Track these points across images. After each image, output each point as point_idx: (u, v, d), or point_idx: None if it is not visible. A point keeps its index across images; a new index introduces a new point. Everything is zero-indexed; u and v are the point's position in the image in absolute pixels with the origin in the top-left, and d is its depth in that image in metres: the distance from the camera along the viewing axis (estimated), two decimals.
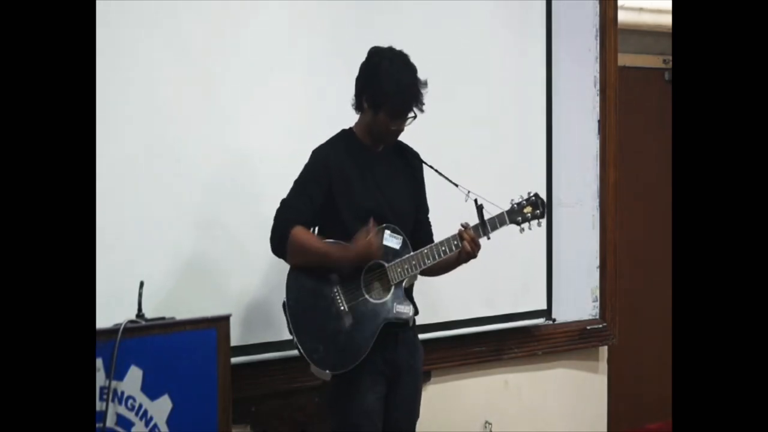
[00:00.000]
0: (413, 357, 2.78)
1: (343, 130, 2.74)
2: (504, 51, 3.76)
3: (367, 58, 2.66)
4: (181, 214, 3.02)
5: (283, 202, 2.64)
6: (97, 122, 2.07)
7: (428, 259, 2.68)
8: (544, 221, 2.83)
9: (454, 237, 2.69)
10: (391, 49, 2.64)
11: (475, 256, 2.72)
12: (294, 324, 2.60)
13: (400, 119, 2.62)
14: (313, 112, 3.16)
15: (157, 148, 2.97)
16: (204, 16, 3.05)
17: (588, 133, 4.06)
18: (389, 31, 3.28)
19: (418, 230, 2.81)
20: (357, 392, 2.64)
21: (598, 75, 4.05)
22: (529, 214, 2.80)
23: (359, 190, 2.65)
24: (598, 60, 4.05)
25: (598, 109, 4.06)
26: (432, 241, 2.78)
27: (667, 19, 4.31)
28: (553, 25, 3.88)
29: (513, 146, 3.76)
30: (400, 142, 2.77)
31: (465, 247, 2.68)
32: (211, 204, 3.07)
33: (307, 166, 2.67)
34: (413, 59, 2.66)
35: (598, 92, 4.06)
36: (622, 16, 4.15)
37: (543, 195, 3.74)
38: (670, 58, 4.57)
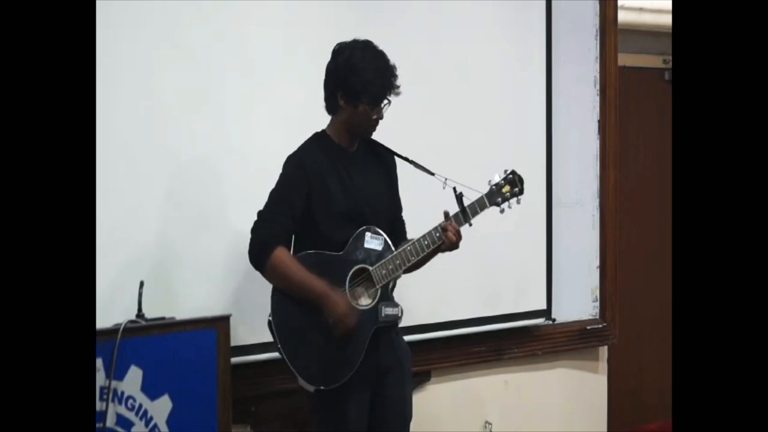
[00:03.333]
0: (397, 356, 2.73)
1: (316, 133, 2.70)
2: (504, 51, 3.76)
3: (334, 56, 2.62)
4: (182, 214, 3.02)
5: (261, 214, 2.57)
6: (97, 122, 2.07)
7: (412, 256, 2.63)
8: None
9: (435, 229, 2.64)
10: (355, 41, 2.62)
11: (457, 247, 2.67)
12: (282, 342, 2.55)
13: (380, 106, 2.59)
14: (313, 112, 3.15)
15: (158, 148, 2.97)
16: (204, 16, 3.05)
17: (588, 133, 4.06)
18: (390, 31, 3.29)
19: (394, 229, 2.76)
20: (339, 400, 2.59)
21: (598, 75, 4.05)
22: (508, 194, 2.73)
23: (337, 193, 2.60)
24: (598, 60, 4.05)
25: (598, 109, 4.06)
26: (406, 239, 2.75)
27: (667, 19, 4.31)
28: (553, 25, 3.88)
29: (513, 146, 3.76)
30: (372, 140, 2.73)
31: (450, 238, 2.63)
32: (211, 204, 3.07)
33: (284, 175, 2.61)
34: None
35: (598, 92, 4.06)
36: (622, 16, 4.15)
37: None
38: (670, 58, 4.57)
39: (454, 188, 2.65)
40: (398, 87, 2.60)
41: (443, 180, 2.66)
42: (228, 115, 3.10)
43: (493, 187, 2.73)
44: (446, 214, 2.66)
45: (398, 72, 2.62)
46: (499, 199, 2.72)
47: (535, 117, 3.85)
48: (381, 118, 2.64)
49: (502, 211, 2.73)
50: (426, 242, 2.63)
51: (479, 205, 2.70)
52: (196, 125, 3.04)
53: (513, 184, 2.74)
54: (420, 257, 2.64)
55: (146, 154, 2.95)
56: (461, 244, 2.69)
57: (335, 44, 2.64)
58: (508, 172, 2.76)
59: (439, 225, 2.66)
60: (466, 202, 2.67)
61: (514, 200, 2.74)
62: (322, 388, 2.56)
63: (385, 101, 2.60)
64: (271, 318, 2.58)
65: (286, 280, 2.55)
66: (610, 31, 4.05)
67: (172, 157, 3.00)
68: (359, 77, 2.54)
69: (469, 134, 3.63)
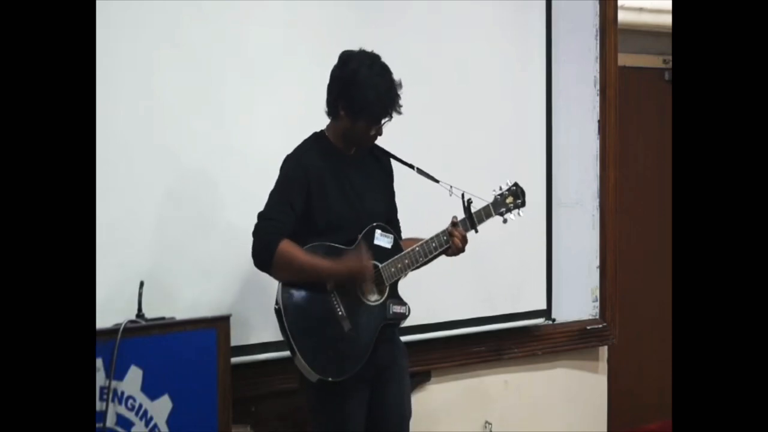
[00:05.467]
0: (394, 354, 2.74)
1: (315, 134, 2.69)
2: (504, 51, 3.76)
3: (340, 65, 2.59)
4: (182, 214, 3.02)
5: (262, 215, 2.55)
6: (97, 122, 2.07)
7: (421, 257, 2.68)
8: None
9: (443, 232, 2.69)
10: (364, 53, 2.59)
11: (464, 251, 2.74)
12: (293, 332, 2.53)
13: (379, 124, 2.60)
14: (313, 112, 3.15)
15: (158, 148, 2.97)
16: (204, 16, 3.05)
17: (588, 133, 4.06)
18: (390, 31, 3.29)
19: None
20: (338, 398, 2.59)
21: (598, 75, 4.05)
22: (511, 204, 2.82)
23: (335, 196, 2.60)
24: (598, 60, 4.05)
25: (598, 109, 4.06)
26: (401, 239, 2.77)
27: (667, 19, 4.31)
28: (553, 25, 3.88)
29: (513, 146, 3.76)
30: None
31: (456, 244, 2.70)
32: (212, 204, 3.08)
33: (283, 175, 2.60)
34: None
35: (598, 92, 4.06)
36: (622, 16, 4.16)
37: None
38: (670, 58, 4.57)
39: (463, 195, 2.71)
40: (401, 106, 2.59)
41: (449, 187, 2.71)
42: (228, 115, 3.10)
43: (498, 197, 2.81)
44: (454, 221, 2.71)
45: (398, 72, 2.60)
46: (503, 209, 2.81)
47: (535, 117, 3.85)
48: (380, 134, 2.64)
49: (505, 221, 2.82)
50: (434, 244, 2.69)
51: (485, 213, 2.77)
52: (196, 125, 3.04)
53: (516, 195, 2.83)
54: (428, 259, 2.70)
55: (146, 154, 2.95)
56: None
57: (342, 50, 2.61)
58: (511, 184, 2.84)
59: (446, 229, 2.70)
60: (473, 209, 2.73)
61: (516, 212, 2.82)
62: (330, 379, 2.55)
63: (386, 118, 2.60)
64: (279, 306, 2.55)
65: (294, 264, 2.51)
66: (610, 31, 4.05)
67: (172, 157, 3.00)
68: (362, 95, 2.53)
69: (469, 134, 3.63)
